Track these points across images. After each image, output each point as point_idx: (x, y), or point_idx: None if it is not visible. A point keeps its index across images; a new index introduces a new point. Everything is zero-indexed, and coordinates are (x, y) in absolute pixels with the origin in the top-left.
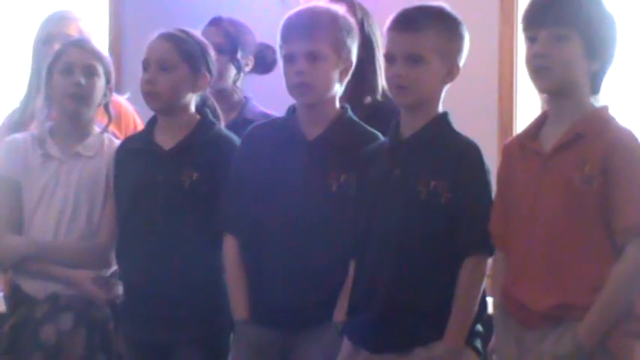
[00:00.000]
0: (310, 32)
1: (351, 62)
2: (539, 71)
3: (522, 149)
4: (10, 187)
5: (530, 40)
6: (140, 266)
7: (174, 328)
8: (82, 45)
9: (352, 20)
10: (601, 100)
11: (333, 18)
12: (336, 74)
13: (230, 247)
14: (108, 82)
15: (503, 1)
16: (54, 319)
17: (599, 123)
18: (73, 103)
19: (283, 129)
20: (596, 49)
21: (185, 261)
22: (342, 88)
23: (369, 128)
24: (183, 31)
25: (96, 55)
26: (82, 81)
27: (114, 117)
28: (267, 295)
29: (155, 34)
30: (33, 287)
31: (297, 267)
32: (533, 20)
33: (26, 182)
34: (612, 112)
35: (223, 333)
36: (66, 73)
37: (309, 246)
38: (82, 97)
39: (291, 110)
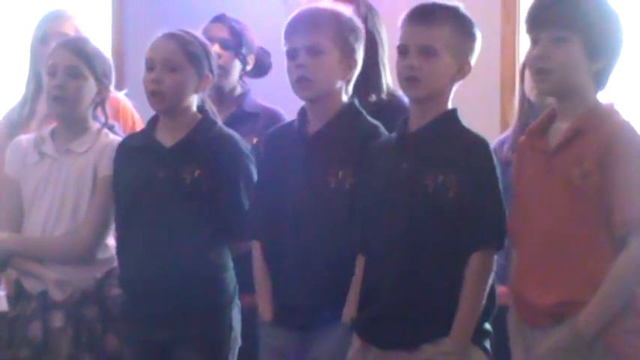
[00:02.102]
0: (311, 27)
1: (356, 61)
2: (539, 74)
3: (531, 147)
4: (10, 186)
5: (533, 41)
6: (140, 264)
7: (174, 326)
8: (67, 46)
9: (359, 21)
10: (609, 96)
11: (335, 15)
12: (337, 70)
13: (256, 253)
14: (100, 80)
15: (505, 0)
16: (43, 316)
17: (598, 118)
18: (56, 105)
19: (293, 128)
20: (598, 49)
21: (185, 258)
22: (350, 85)
23: (371, 120)
24: (187, 32)
25: (81, 55)
26: (64, 83)
27: (112, 113)
28: (283, 295)
29: (159, 34)
30: (30, 284)
31: (305, 265)
32: (535, 22)
33: (23, 181)
34: (619, 107)
35: (223, 331)
36: (51, 75)
37: (315, 244)
38: (64, 99)
39: (302, 110)
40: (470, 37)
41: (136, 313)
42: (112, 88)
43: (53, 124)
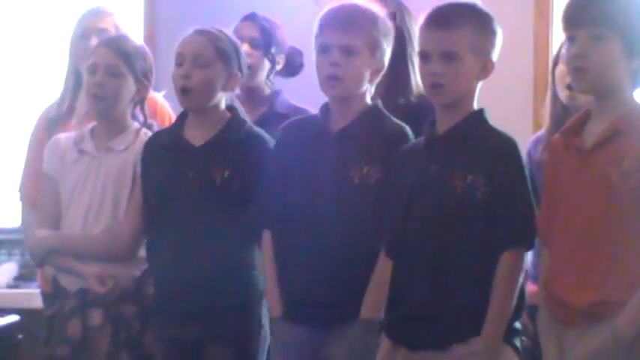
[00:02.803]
0: (348, 26)
1: (383, 65)
2: (577, 72)
3: (565, 146)
4: (50, 183)
5: (570, 40)
6: (170, 263)
7: (204, 323)
8: (108, 44)
9: (391, 25)
10: None
11: (372, 17)
12: (367, 72)
13: (267, 242)
14: (139, 80)
15: None
16: (82, 314)
17: (639, 119)
18: (95, 103)
19: (315, 124)
20: (636, 47)
21: (215, 257)
22: (373, 88)
23: (397, 121)
24: (217, 30)
25: (122, 54)
26: (103, 81)
27: (149, 114)
28: (297, 290)
29: (190, 30)
30: (67, 281)
31: (323, 262)
32: (572, 20)
33: (62, 179)
34: None
35: (253, 328)
36: (91, 73)
37: (335, 241)
38: (102, 98)
39: (324, 106)
40: (490, 33)
41: (166, 311)
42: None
43: (93, 123)
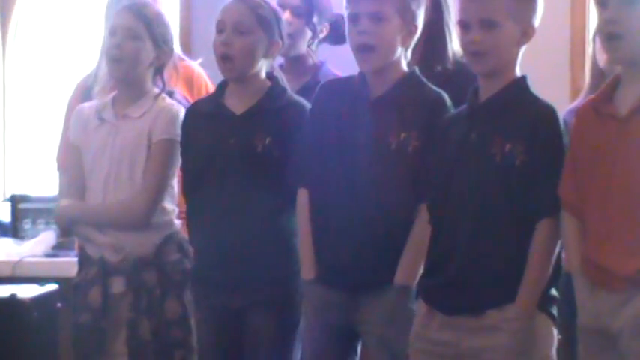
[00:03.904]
0: None
1: (416, 27)
2: (611, 39)
3: (596, 113)
4: (75, 152)
5: (601, 4)
6: (211, 230)
7: (245, 291)
8: (129, 8)
9: None
10: None
11: None
12: (399, 38)
13: (303, 201)
14: (158, 45)
15: None
16: (103, 281)
17: None
18: (113, 66)
19: (352, 87)
20: None
21: (256, 225)
22: (409, 52)
23: (435, 88)
24: None
25: (141, 17)
26: (122, 43)
27: (185, 82)
28: (332, 254)
29: None
30: (91, 249)
31: (358, 226)
32: None
33: (85, 147)
34: None
35: (295, 296)
36: (111, 36)
37: (371, 205)
38: (120, 60)
39: (361, 73)
40: None
41: (207, 278)
42: (184, 56)
43: (115, 91)
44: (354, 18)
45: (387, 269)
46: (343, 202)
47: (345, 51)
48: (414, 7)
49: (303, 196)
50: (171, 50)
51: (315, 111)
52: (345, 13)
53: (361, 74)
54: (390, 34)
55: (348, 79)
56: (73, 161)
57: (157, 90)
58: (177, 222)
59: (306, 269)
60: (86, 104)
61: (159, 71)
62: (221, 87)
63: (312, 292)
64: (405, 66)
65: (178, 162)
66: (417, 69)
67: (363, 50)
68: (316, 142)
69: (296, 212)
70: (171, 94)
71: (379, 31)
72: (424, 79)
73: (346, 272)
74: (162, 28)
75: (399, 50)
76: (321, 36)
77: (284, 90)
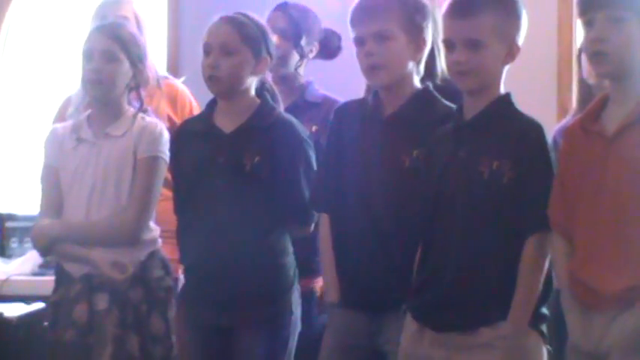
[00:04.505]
0: (376, 13)
1: (425, 40)
2: (597, 56)
3: (585, 132)
4: (49, 173)
5: (587, 24)
6: (201, 249)
7: (235, 310)
8: (102, 30)
9: None
10: None
11: None
12: (407, 52)
13: (325, 226)
14: (135, 65)
15: None
16: (87, 298)
17: None
18: (91, 89)
19: (365, 107)
20: None
21: (246, 244)
22: (421, 66)
23: (448, 104)
24: (243, 15)
25: (117, 39)
26: (100, 67)
27: (168, 100)
28: (352, 276)
29: (216, 18)
30: (72, 267)
31: (377, 246)
32: (588, 3)
33: (62, 167)
34: None
35: (284, 315)
36: (87, 59)
37: (388, 225)
38: (99, 82)
39: (375, 91)
40: (514, 17)
41: (197, 298)
42: (168, 74)
43: (87, 111)
44: (359, 41)
45: (407, 289)
46: (361, 224)
47: (335, 65)
48: (419, 20)
49: (324, 222)
50: (146, 69)
51: (332, 135)
52: (351, 37)
53: (375, 93)
54: (398, 51)
55: (362, 100)
56: (49, 182)
57: (133, 109)
58: (159, 240)
59: (331, 293)
60: (59, 125)
61: (135, 90)
62: (210, 106)
63: (336, 315)
64: (417, 82)
65: (163, 179)
66: (430, 85)
67: (372, 70)
68: (334, 165)
69: (285, 232)
70: (145, 112)
71: (386, 50)
72: (437, 95)
73: (368, 293)
74: (137, 48)
75: (410, 65)
76: (311, 56)
77: (273, 108)
